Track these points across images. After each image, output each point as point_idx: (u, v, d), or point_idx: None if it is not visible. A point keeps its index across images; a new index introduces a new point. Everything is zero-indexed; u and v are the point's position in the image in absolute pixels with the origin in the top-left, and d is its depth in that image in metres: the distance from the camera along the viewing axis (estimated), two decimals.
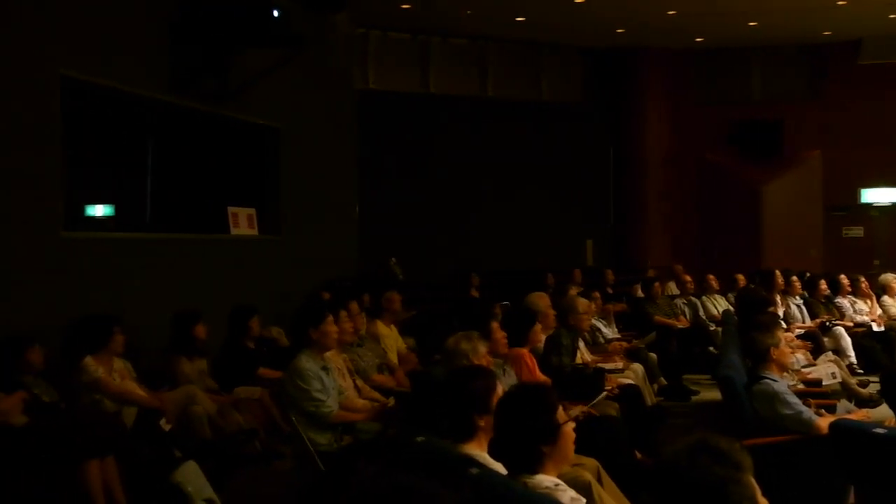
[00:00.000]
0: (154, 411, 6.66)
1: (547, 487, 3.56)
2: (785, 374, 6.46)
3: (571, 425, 3.71)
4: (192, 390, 7.20)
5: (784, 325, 9.62)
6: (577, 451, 3.87)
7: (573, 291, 10.73)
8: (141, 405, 6.75)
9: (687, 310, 12.73)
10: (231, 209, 10.34)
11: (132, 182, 10.11)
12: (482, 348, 5.69)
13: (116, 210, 10.40)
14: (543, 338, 7.68)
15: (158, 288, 8.69)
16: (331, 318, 6.55)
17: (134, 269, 8.52)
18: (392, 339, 9.00)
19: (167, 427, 6.55)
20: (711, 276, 13.31)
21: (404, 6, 14.66)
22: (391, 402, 6.73)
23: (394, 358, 8.72)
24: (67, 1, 7.72)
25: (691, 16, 15.32)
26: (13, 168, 7.11)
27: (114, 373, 6.88)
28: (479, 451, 4.02)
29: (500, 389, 4.14)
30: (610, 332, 10.81)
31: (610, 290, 13.72)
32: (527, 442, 3.61)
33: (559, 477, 3.69)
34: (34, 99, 7.39)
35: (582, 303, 8.47)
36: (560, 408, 3.70)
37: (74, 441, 5.60)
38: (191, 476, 5.74)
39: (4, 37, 7.03)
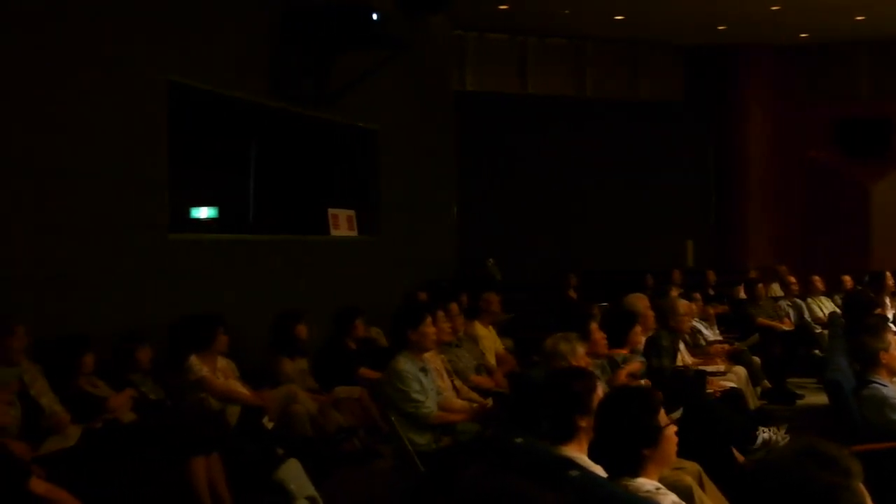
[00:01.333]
0: (257, 410, 6.78)
1: (648, 491, 3.51)
2: (894, 378, 6.26)
3: (673, 428, 3.66)
4: (293, 389, 7.32)
5: (894, 329, 9.34)
6: (678, 455, 3.81)
7: (673, 293, 10.59)
8: (244, 403, 6.88)
9: (791, 312, 12.45)
10: (331, 211, 10.46)
11: (235, 185, 10.33)
12: (581, 349, 5.66)
13: (220, 212, 10.63)
14: (643, 339, 7.60)
15: (260, 288, 8.85)
16: (429, 319, 6.56)
17: (237, 269, 8.68)
18: (490, 341, 9.00)
19: (270, 425, 6.66)
20: (817, 278, 13.00)
21: (502, 7, 14.65)
22: (489, 403, 6.73)
23: (492, 359, 8.72)
24: (173, 9, 7.91)
25: (795, 11, 14.97)
26: (123, 172, 7.31)
27: (218, 372, 7.03)
28: (578, 453, 3.99)
29: (600, 390, 4.11)
30: (711, 334, 10.63)
31: (711, 292, 13.50)
32: (628, 444, 3.57)
33: (660, 480, 3.64)
34: (142, 105, 7.59)
35: (682, 304, 8.35)
36: (662, 410, 3.66)
37: (180, 438, 5.73)
38: (293, 474, 5.82)
39: (113, 45, 7.24)
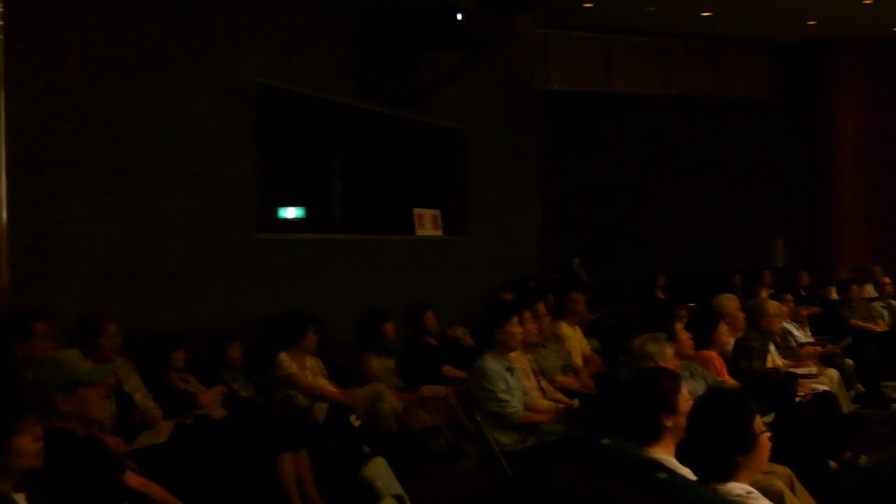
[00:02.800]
0: (344, 407, 6.85)
1: (738, 495, 3.46)
2: None
3: (768, 435, 3.59)
4: (379, 387, 7.38)
5: None
6: (769, 459, 3.74)
7: (764, 293, 10.40)
8: (332, 401, 6.95)
9: (886, 313, 12.15)
10: (416, 210, 10.51)
11: (322, 185, 10.43)
12: (669, 350, 5.60)
13: (307, 212, 10.75)
14: (731, 340, 7.49)
15: (346, 287, 8.92)
16: (515, 318, 6.56)
17: (323, 268, 8.77)
18: (576, 341, 8.96)
19: (357, 423, 6.71)
20: (887, 279, 12.66)
21: (586, 5, 14.57)
22: (576, 403, 6.70)
23: (578, 359, 8.68)
24: (261, 12, 8.01)
25: (889, 4, 14.57)
26: (213, 173, 7.44)
27: (306, 369, 7.12)
28: (666, 454, 3.94)
29: (685, 391, 4.06)
30: (803, 335, 10.42)
31: (803, 293, 13.23)
32: (721, 450, 3.52)
33: (751, 484, 3.58)
34: (233, 108, 7.71)
35: (773, 305, 8.20)
36: (757, 416, 3.59)
37: (269, 435, 5.81)
38: (380, 471, 5.83)
39: (204, 49, 7.37)
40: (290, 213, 10.85)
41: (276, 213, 10.49)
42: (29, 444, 3.49)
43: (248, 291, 7.67)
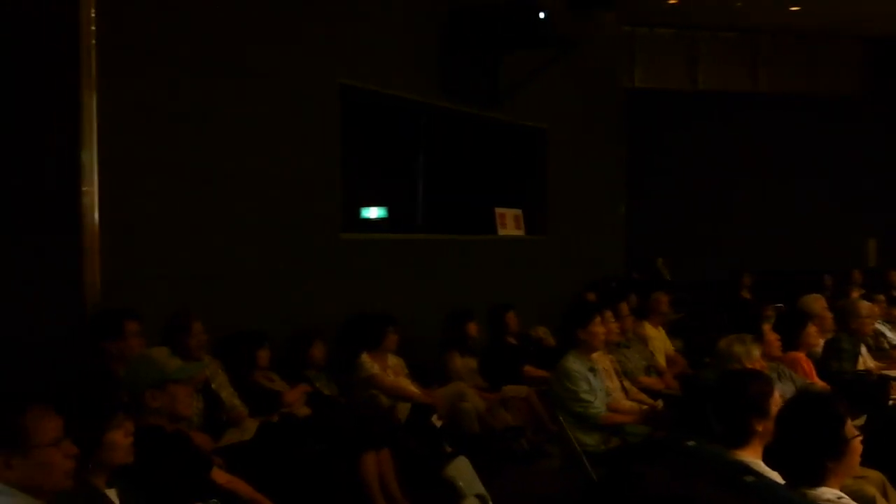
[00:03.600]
0: (427, 407, 6.87)
1: (828, 500, 3.41)
2: None
3: (860, 439, 3.51)
4: (462, 387, 7.39)
5: None
6: (860, 463, 3.66)
7: (854, 293, 10.16)
8: (414, 401, 6.98)
9: None
10: (498, 210, 10.50)
11: (404, 185, 10.48)
12: (756, 352, 5.51)
13: (389, 212, 10.81)
14: (820, 341, 7.34)
15: (429, 287, 8.95)
16: (598, 318, 6.52)
17: (406, 268, 8.82)
18: (660, 341, 8.87)
19: (439, 423, 6.73)
20: None
21: (671, 1, 14.40)
22: (659, 404, 6.64)
23: (661, 360, 8.59)
24: (344, 12, 8.08)
25: None
26: (297, 173, 7.53)
27: (388, 369, 7.17)
28: (753, 457, 3.89)
29: (776, 395, 3.99)
30: (895, 337, 10.15)
31: (895, 293, 12.89)
32: (812, 455, 3.46)
33: (842, 489, 3.51)
34: (317, 108, 7.79)
35: (864, 306, 8.00)
36: (849, 420, 3.51)
37: (352, 434, 5.86)
38: (462, 471, 5.85)
39: (287, 50, 7.46)
40: (373, 213, 10.92)
41: (358, 213, 10.57)
42: (120, 440, 3.57)
43: (331, 291, 7.74)
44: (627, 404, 6.70)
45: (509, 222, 10.60)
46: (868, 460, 4.07)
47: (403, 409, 6.86)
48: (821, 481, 3.45)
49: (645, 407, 6.65)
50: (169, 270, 6.32)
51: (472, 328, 8.05)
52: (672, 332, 9.63)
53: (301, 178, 7.57)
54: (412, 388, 7.19)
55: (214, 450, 5.32)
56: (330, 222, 7.95)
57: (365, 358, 7.06)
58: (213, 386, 5.97)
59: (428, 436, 6.52)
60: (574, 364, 6.25)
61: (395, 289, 8.49)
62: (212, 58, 6.71)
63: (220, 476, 4.46)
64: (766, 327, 6.63)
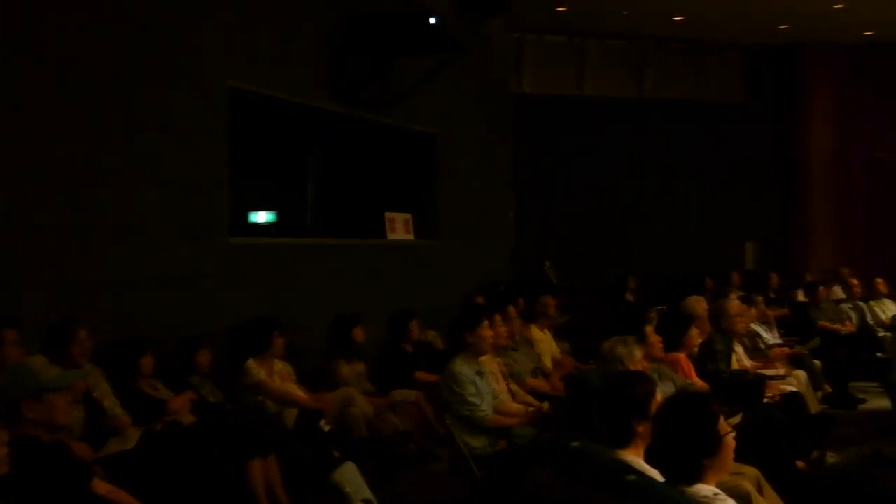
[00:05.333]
0: (314, 412, 6.83)
1: (705, 496, 3.49)
2: None
3: (733, 436, 3.62)
4: (349, 392, 7.36)
5: None
6: (736, 459, 3.77)
7: (733, 295, 10.45)
8: (301, 406, 6.94)
9: (853, 315, 12.24)
10: (388, 214, 10.50)
11: (294, 189, 10.41)
12: (638, 353, 5.61)
13: (278, 216, 10.72)
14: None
15: (318, 292, 8.91)
16: (486, 322, 6.57)
17: (295, 273, 8.75)
18: (546, 344, 8.96)
19: (327, 428, 6.70)
20: (880, 280, 12.78)
21: (559, 9, 14.61)
22: (546, 406, 6.71)
23: (548, 362, 8.69)
24: (233, 14, 7.99)
25: (859, 8, 14.69)
26: (184, 177, 7.41)
27: (275, 375, 7.10)
28: (635, 457, 3.96)
29: (658, 396, 4.08)
30: (771, 337, 10.48)
31: (772, 295, 13.32)
32: (688, 453, 3.54)
33: (718, 486, 3.60)
34: (205, 111, 7.68)
35: (733, 306, 8.23)
36: (722, 418, 3.61)
37: (239, 441, 5.79)
38: (350, 476, 5.85)
39: (175, 51, 7.34)
40: (262, 217, 10.82)
41: (247, 217, 10.46)
42: None
43: (219, 296, 7.64)
44: (514, 407, 6.76)
45: (399, 227, 10.61)
46: (744, 457, 4.19)
47: (291, 415, 6.81)
48: (698, 478, 3.53)
49: (531, 409, 6.72)
50: (50, 277, 6.17)
51: (359, 333, 8.02)
52: (559, 335, 9.75)
53: (188, 182, 7.45)
54: (299, 393, 7.13)
55: (95, 459, 5.20)
56: (218, 226, 7.84)
57: (251, 364, 6.98)
58: (94, 394, 5.84)
59: (315, 441, 6.46)
60: (462, 367, 6.29)
61: (285, 294, 8.42)
62: (97, 57, 6.57)
63: (100, 487, 4.36)
64: (649, 329, 6.76)
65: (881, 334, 11.41)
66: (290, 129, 9.90)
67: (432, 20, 9.31)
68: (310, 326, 8.25)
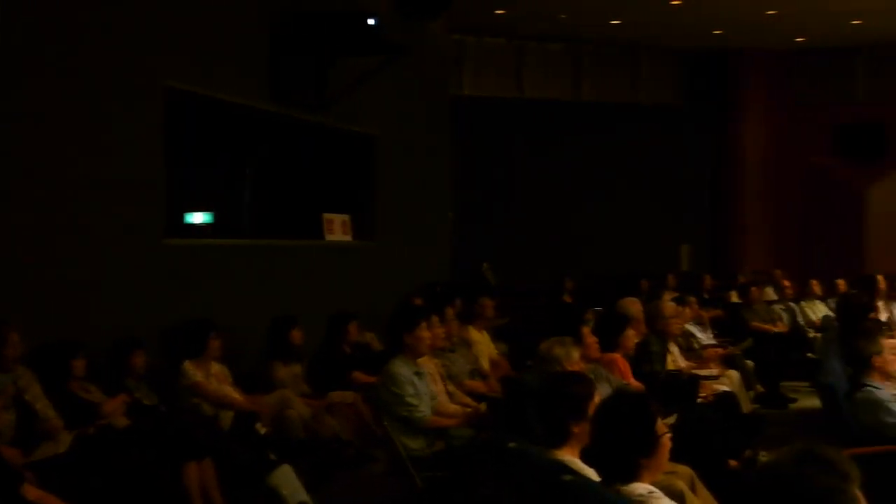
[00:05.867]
0: (250, 415, 6.79)
1: (640, 495, 3.52)
2: (888, 381, 6.28)
3: (669, 436, 3.66)
4: (286, 394, 7.32)
5: (888, 332, 9.35)
6: (670, 459, 3.82)
7: (667, 297, 10.59)
8: (237, 409, 6.88)
9: (785, 315, 12.47)
10: (325, 215, 10.45)
11: (231, 190, 10.31)
12: (575, 354, 5.66)
13: (215, 217, 10.61)
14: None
15: (255, 293, 8.83)
16: (424, 323, 6.58)
17: (232, 274, 8.67)
18: (484, 345, 8.99)
19: (263, 430, 6.66)
20: (814, 282, 13.02)
21: (499, 12, 14.67)
22: (483, 407, 6.74)
23: (486, 364, 8.71)
24: (170, 13, 7.90)
25: (791, 15, 14.99)
26: (118, 177, 7.29)
27: (211, 377, 7.04)
28: (571, 457, 4.00)
29: (597, 397, 4.12)
30: (705, 337, 10.63)
31: (706, 296, 13.51)
32: (624, 453, 3.57)
33: (653, 484, 3.64)
34: (139, 110, 7.57)
35: (668, 307, 8.34)
36: (659, 418, 3.66)
37: (173, 444, 5.73)
38: (286, 479, 5.82)
39: (109, 48, 7.23)
40: (198, 218, 10.70)
41: (183, 218, 10.33)
42: None
43: (154, 298, 7.53)
44: (452, 408, 6.78)
45: (337, 228, 10.56)
46: (678, 456, 4.25)
47: (227, 417, 6.76)
48: (633, 477, 3.57)
49: (469, 410, 6.74)
50: None
51: (296, 335, 7.97)
52: (497, 336, 9.79)
53: (121, 182, 7.33)
54: (236, 395, 7.08)
55: (26, 464, 5.11)
56: (152, 227, 7.73)
57: (187, 366, 6.91)
58: (25, 397, 5.73)
59: (252, 444, 6.43)
60: (400, 368, 6.29)
61: (221, 295, 8.34)
62: (27, 55, 6.44)
63: (30, 492, 4.29)
64: (586, 330, 6.82)
65: (811, 335, 11.63)
66: (228, 130, 9.79)
67: (371, 21, 9.29)
68: (247, 328, 8.18)
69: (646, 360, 7.45)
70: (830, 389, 6.22)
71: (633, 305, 8.21)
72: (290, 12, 9.34)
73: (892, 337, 9.70)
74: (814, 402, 8.47)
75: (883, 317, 10.94)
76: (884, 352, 6.15)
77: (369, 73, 10.03)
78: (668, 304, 8.56)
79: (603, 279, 14.38)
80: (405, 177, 12.16)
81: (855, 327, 6.93)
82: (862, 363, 6.10)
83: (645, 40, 17.10)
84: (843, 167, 17.62)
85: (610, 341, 6.96)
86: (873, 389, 5.89)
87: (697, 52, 17.80)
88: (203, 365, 7.03)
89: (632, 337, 7.37)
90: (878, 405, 5.78)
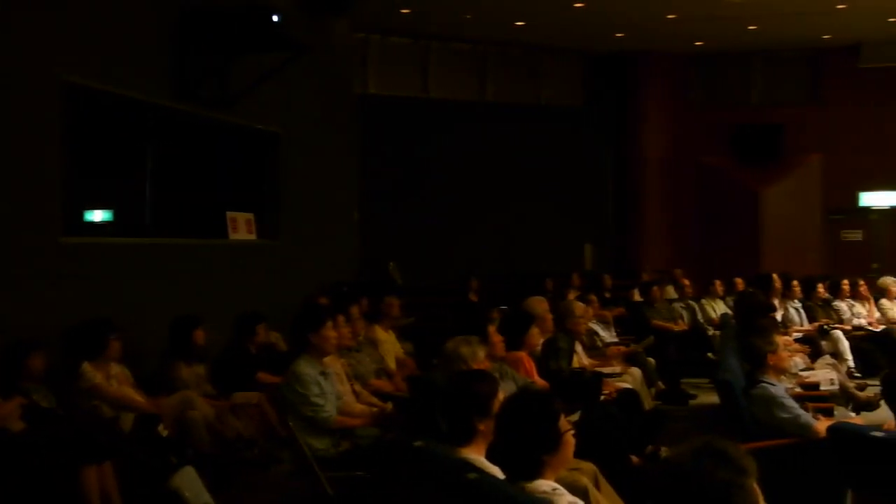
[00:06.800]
0: (152, 417, 6.67)
1: (544, 492, 3.55)
2: (783, 377, 6.46)
3: (572, 433, 3.71)
4: (189, 395, 7.20)
5: (783, 329, 9.62)
6: (574, 455, 3.86)
7: (571, 296, 10.72)
8: (138, 411, 6.75)
9: (685, 314, 12.72)
10: (229, 214, 10.33)
11: (131, 187, 10.10)
12: (481, 353, 5.69)
13: (115, 215, 10.38)
14: (541, 341, 7.68)
15: (157, 293, 8.68)
16: (330, 323, 6.55)
17: (133, 274, 8.51)
18: (390, 345, 8.99)
19: (165, 433, 6.54)
20: (717, 282, 13.31)
21: (404, 11, 14.67)
22: (389, 407, 6.74)
23: (392, 363, 8.71)
24: (68, 7, 7.71)
25: (691, 20, 15.33)
26: (13, 173, 7.10)
27: (111, 378, 6.89)
28: (477, 455, 4.01)
29: (501, 395, 4.14)
30: (608, 336, 10.80)
31: (608, 295, 13.71)
32: (529, 450, 3.60)
33: (557, 481, 3.68)
34: (34, 105, 7.38)
35: (578, 307, 8.46)
36: (562, 416, 3.70)
37: (72, 447, 5.59)
38: (188, 481, 5.73)
39: (5, 42, 7.03)
40: (98, 216, 10.46)
41: (82, 215, 10.09)
42: None
43: (52, 298, 7.35)
44: (358, 407, 6.76)
45: (241, 226, 10.45)
46: (582, 453, 4.30)
47: (128, 420, 6.62)
48: (537, 474, 3.60)
49: (375, 409, 6.74)
50: None
51: (199, 335, 7.85)
52: (403, 336, 9.79)
53: (17, 179, 7.14)
54: (137, 397, 6.93)
55: None
56: (49, 225, 7.54)
57: (86, 368, 6.74)
58: None
59: (153, 446, 6.32)
60: (306, 368, 6.25)
61: (122, 295, 8.17)
62: None
63: None
64: (492, 329, 6.86)
65: (711, 333, 11.89)
66: (129, 126, 9.60)
67: (275, 18, 9.21)
68: (148, 329, 8.03)
69: (553, 356, 7.52)
70: (728, 386, 6.36)
71: (539, 304, 8.28)
72: (194, 8, 9.21)
73: (786, 334, 10.04)
74: (713, 398, 8.67)
75: (778, 315, 11.24)
76: (779, 349, 6.32)
77: (273, 70, 9.95)
78: (578, 303, 8.68)
79: (508, 278, 14.51)
80: (310, 175, 12.09)
81: (751, 325, 7.09)
82: (758, 360, 6.27)
83: (548, 42, 17.29)
84: (740, 169, 18.08)
85: (515, 340, 7.01)
86: (768, 386, 6.05)
87: (599, 54, 18.07)
88: (103, 366, 6.87)
89: (537, 335, 7.44)
90: (772, 401, 5.94)
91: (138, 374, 7.27)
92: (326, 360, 6.53)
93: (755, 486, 2.34)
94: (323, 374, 6.34)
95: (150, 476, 5.85)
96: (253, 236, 10.71)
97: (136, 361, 7.39)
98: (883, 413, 6.49)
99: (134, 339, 7.40)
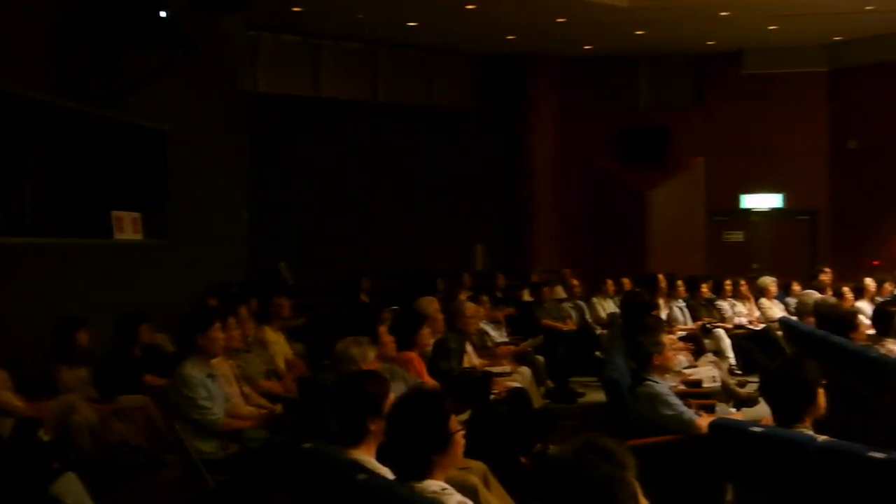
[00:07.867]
0: (32, 421, 6.48)
1: (434, 492, 3.57)
2: (667, 375, 6.61)
3: (462, 433, 3.73)
4: (71, 399, 7.02)
5: (667, 328, 9.83)
6: (464, 454, 3.89)
7: (462, 296, 10.78)
8: (18, 415, 6.55)
9: (574, 313, 12.91)
10: (115, 213, 10.10)
11: (11, 185, 9.79)
12: (371, 353, 5.69)
13: None
14: (432, 342, 7.70)
15: (38, 294, 8.45)
16: (218, 324, 6.46)
17: (12, 274, 8.26)
18: (280, 346, 8.90)
19: (46, 437, 6.37)
20: (610, 281, 13.53)
21: (296, 9, 14.56)
22: (279, 408, 6.68)
23: (281, 364, 8.63)
24: None
25: (580, 24, 15.58)
26: None
27: None
28: (367, 455, 4.02)
29: (392, 395, 4.15)
30: (498, 335, 10.88)
31: (499, 295, 13.83)
32: (418, 450, 3.62)
33: (446, 480, 3.71)
34: None
35: (469, 307, 8.52)
36: (452, 416, 3.72)
37: None
38: (70, 488, 5.58)
39: None
40: None
41: None
42: None
43: None
44: (247, 409, 6.68)
45: (127, 226, 10.23)
46: (471, 452, 4.33)
47: (7, 425, 6.42)
48: (427, 474, 3.62)
49: (264, 411, 6.66)
50: None
51: (83, 337, 7.65)
52: (294, 337, 9.71)
53: None
54: (16, 401, 6.72)
55: None
56: None
57: None
58: None
59: (34, 452, 6.14)
60: (192, 370, 6.15)
61: (2, 296, 7.93)
62: None
63: None
64: (382, 329, 6.85)
65: (599, 332, 12.09)
66: (9, 122, 9.30)
67: (163, 14, 9.05)
68: (29, 331, 7.80)
69: (444, 357, 7.55)
70: (615, 384, 6.48)
71: (430, 305, 8.31)
72: (80, 2, 8.98)
73: (671, 333, 10.28)
74: (601, 396, 8.81)
75: (663, 314, 11.50)
76: (665, 349, 6.47)
77: (162, 67, 9.77)
78: (468, 303, 8.74)
79: (399, 279, 14.52)
80: (198, 174, 11.90)
81: (637, 324, 7.23)
82: (643, 359, 6.40)
83: (440, 43, 17.37)
84: (627, 170, 18.46)
85: (406, 340, 7.02)
86: (653, 384, 6.18)
87: (491, 56, 18.22)
88: None
89: (427, 336, 7.46)
90: (656, 398, 6.07)
91: (18, 378, 7.05)
92: (214, 361, 6.44)
93: (634, 480, 2.40)
94: (210, 376, 6.25)
95: (30, 482, 5.67)
96: (140, 236, 10.50)
97: (16, 364, 7.17)
98: (762, 409, 6.70)
99: (14, 342, 7.18)
